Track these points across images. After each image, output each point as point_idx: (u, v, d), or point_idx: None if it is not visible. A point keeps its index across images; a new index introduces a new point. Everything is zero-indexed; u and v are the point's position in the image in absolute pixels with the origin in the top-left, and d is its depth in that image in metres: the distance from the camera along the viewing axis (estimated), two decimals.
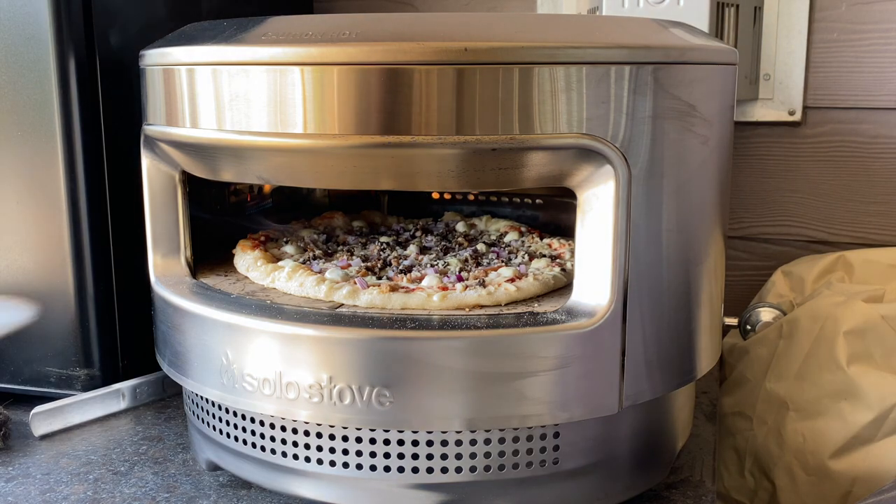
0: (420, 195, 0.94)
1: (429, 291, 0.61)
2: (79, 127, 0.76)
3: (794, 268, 1.00)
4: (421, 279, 0.65)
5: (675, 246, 0.60)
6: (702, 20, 0.88)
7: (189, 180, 0.69)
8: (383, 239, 0.78)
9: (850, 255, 0.95)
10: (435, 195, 0.94)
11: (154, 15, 0.82)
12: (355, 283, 0.63)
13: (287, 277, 0.65)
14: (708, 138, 0.60)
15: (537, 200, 0.89)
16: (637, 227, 0.57)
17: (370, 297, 0.61)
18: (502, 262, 0.71)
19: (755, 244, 1.08)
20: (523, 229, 0.83)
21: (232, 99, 0.57)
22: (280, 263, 0.69)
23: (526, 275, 0.66)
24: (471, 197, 0.93)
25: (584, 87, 0.54)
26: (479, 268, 0.68)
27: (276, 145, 0.56)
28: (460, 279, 0.65)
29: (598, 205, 0.56)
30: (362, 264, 0.69)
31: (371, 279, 0.65)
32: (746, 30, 0.97)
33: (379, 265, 0.69)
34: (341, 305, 0.62)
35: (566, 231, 0.81)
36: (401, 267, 0.68)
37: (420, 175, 0.57)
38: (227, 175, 0.63)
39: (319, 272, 0.66)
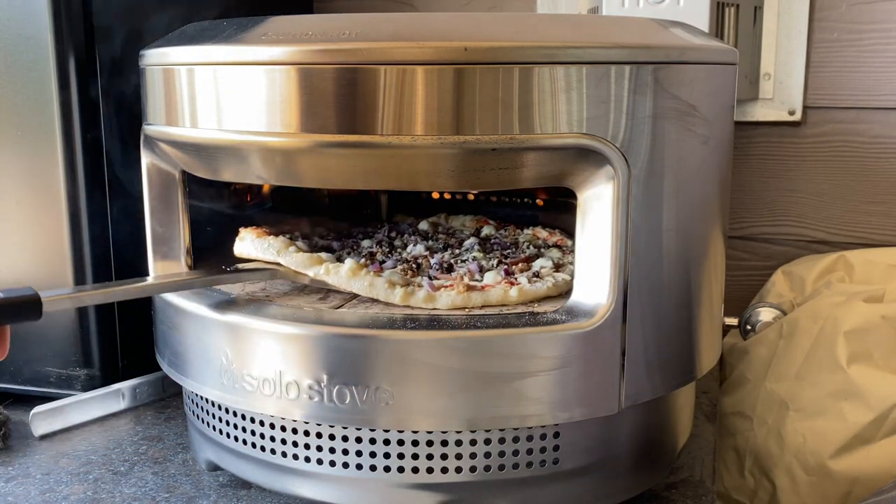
0: (420, 195, 0.94)
1: (504, 287, 0.62)
2: (79, 127, 0.76)
3: (794, 268, 1.00)
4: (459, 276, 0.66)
5: (675, 246, 0.60)
6: (702, 20, 0.88)
7: (189, 180, 0.69)
8: (365, 243, 0.76)
9: (850, 255, 0.95)
10: (435, 195, 0.94)
11: (154, 15, 0.82)
12: (420, 285, 0.62)
13: (349, 275, 0.63)
14: (708, 138, 0.60)
15: (537, 200, 0.89)
16: (637, 227, 0.57)
17: (450, 299, 0.60)
18: (521, 253, 0.72)
19: (755, 244, 1.08)
20: (491, 222, 0.84)
21: (232, 99, 0.57)
22: (322, 255, 0.67)
23: (564, 265, 0.68)
24: (470, 197, 0.93)
25: (584, 87, 0.54)
26: (522, 263, 0.69)
27: (276, 145, 0.56)
28: (508, 273, 0.66)
29: (598, 205, 0.56)
30: (397, 266, 0.67)
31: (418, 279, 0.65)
32: (746, 30, 0.97)
33: (414, 267, 0.68)
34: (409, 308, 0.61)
35: (566, 231, 0.81)
36: (436, 267, 0.68)
37: (420, 175, 0.57)
38: (227, 175, 0.63)
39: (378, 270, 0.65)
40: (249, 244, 0.69)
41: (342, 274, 0.63)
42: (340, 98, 0.53)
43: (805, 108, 1.03)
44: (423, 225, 0.84)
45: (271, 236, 0.70)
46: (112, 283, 0.58)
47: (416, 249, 0.73)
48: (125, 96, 0.79)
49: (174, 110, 0.61)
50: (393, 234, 0.80)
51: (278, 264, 0.66)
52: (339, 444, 0.59)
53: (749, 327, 0.97)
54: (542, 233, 0.79)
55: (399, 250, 0.74)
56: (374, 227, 0.84)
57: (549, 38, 0.54)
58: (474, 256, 0.70)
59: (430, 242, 0.76)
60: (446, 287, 0.62)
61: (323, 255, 0.67)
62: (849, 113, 1.02)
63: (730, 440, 0.93)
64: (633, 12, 0.90)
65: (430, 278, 0.65)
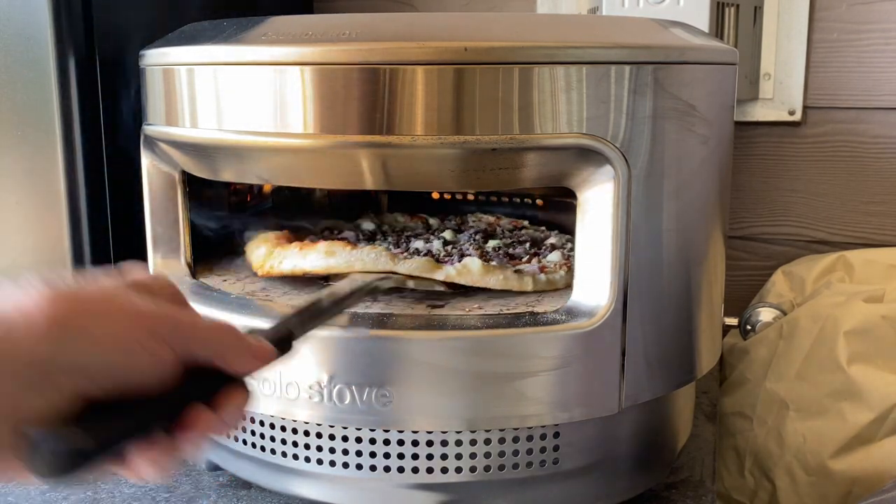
0: (419, 195, 0.94)
1: None
2: (79, 127, 0.76)
3: (794, 268, 1.00)
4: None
5: (675, 246, 0.60)
6: (702, 20, 0.88)
7: (189, 180, 0.69)
8: (374, 241, 0.76)
9: (850, 255, 0.95)
10: (435, 195, 0.94)
11: (154, 15, 0.82)
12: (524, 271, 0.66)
13: (483, 271, 0.64)
14: (708, 138, 0.60)
15: (537, 200, 0.89)
16: (637, 227, 0.57)
17: (564, 280, 0.65)
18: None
19: (755, 244, 1.08)
20: (426, 216, 0.86)
21: (232, 99, 0.57)
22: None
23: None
24: (470, 197, 0.93)
25: (584, 87, 0.54)
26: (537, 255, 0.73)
27: (276, 145, 0.56)
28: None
29: (598, 205, 0.56)
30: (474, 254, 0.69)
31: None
32: (746, 30, 0.97)
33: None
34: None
35: (566, 231, 0.81)
36: (501, 254, 0.71)
37: (420, 175, 0.57)
38: (227, 175, 0.63)
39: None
40: (343, 258, 0.64)
41: (475, 271, 0.64)
42: (340, 98, 0.53)
43: (805, 108, 1.03)
44: (369, 225, 0.83)
45: (357, 245, 0.67)
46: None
47: (435, 244, 0.72)
48: (125, 96, 0.79)
49: (174, 110, 0.61)
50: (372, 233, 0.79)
51: (390, 272, 0.64)
52: (339, 445, 0.59)
53: (749, 327, 0.97)
54: (489, 217, 0.83)
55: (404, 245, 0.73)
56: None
57: (549, 38, 0.54)
58: (507, 239, 0.74)
59: (440, 234, 0.76)
60: (547, 268, 0.66)
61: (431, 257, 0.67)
62: (849, 113, 1.02)
63: (730, 440, 0.93)
64: (633, 12, 0.90)
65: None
